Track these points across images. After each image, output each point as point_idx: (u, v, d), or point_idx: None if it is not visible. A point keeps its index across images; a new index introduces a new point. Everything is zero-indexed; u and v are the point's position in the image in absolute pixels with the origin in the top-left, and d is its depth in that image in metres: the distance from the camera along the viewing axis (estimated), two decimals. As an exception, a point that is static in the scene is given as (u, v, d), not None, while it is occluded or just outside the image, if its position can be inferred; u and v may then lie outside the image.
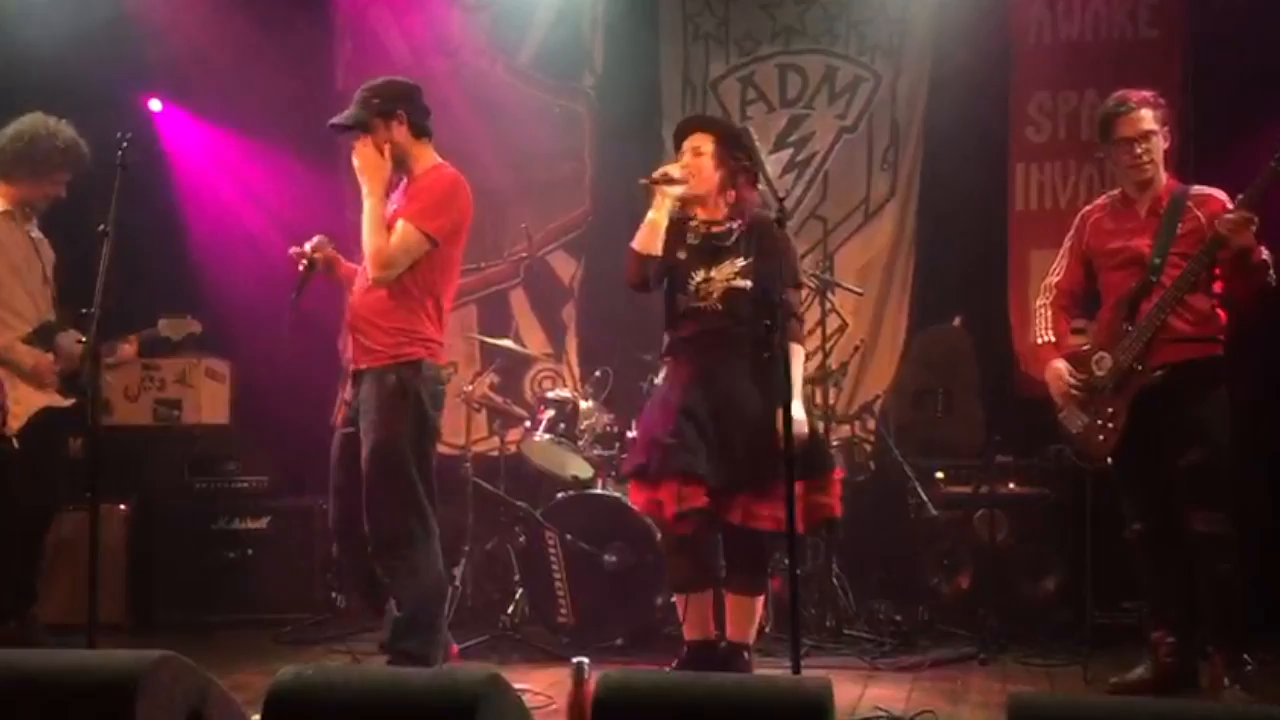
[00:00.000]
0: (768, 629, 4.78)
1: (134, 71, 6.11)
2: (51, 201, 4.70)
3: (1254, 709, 2.97)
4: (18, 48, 5.53)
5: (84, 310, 3.69)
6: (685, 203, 4.08)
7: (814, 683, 2.33)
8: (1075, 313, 4.27)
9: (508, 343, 5.70)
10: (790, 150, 6.34)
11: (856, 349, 5.95)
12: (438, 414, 4.01)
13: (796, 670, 3.42)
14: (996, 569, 5.14)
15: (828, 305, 5.45)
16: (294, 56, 6.34)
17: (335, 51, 6.84)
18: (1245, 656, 3.90)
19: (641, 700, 2.29)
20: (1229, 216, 3.78)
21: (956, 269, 6.02)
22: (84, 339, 3.71)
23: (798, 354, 3.94)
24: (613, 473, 5.21)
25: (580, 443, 5.15)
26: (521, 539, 5.15)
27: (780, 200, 3.54)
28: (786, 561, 3.61)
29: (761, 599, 4.11)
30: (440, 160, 4.11)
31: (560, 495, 5.14)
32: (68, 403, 4.65)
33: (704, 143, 4.05)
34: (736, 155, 3.98)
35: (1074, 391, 4.09)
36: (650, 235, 4.03)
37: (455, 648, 4.19)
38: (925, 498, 5.24)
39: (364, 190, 3.96)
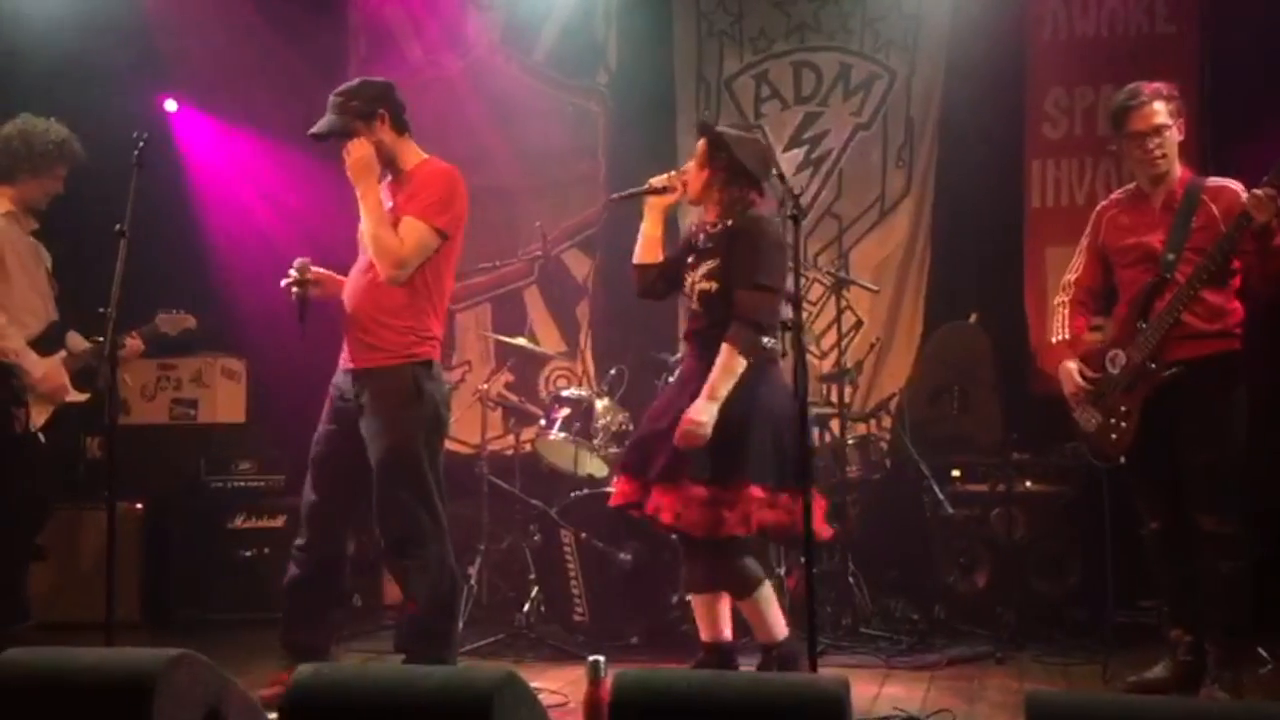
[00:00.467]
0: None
1: (149, 72, 6.13)
2: (52, 198, 4.74)
3: (1274, 706, 2.95)
4: (34, 48, 5.55)
5: (101, 309, 3.71)
6: (694, 204, 4.14)
7: (831, 681, 2.32)
8: (1093, 309, 4.24)
9: (522, 341, 5.71)
10: (805, 148, 6.33)
11: (872, 347, 5.94)
12: (448, 413, 4.06)
13: (813, 669, 3.41)
14: (1013, 567, 5.12)
15: (843, 303, 5.43)
16: (309, 56, 6.36)
17: (350, 51, 6.86)
18: (1263, 653, 3.88)
19: (658, 699, 2.28)
20: (1255, 192, 3.72)
21: (972, 266, 6.00)
22: (101, 339, 3.72)
23: (724, 354, 3.73)
24: (628, 471, 5.21)
25: (595, 441, 5.15)
26: (537, 538, 5.15)
27: (795, 197, 3.52)
28: (802, 560, 3.58)
29: (725, 598, 3.94)
30: (426, 154, 4.10)
31: (575, 494, 5.14)
32: (82, 398, 4.73)
33: (699, 146, 4.04)
34: (719, 156, 3.93)
35: (1084, 391, 4.06)
36: (644, 247, 4.10)
37: None
38: (941, 496, 5.22)
39: (359, 191, 3.92)
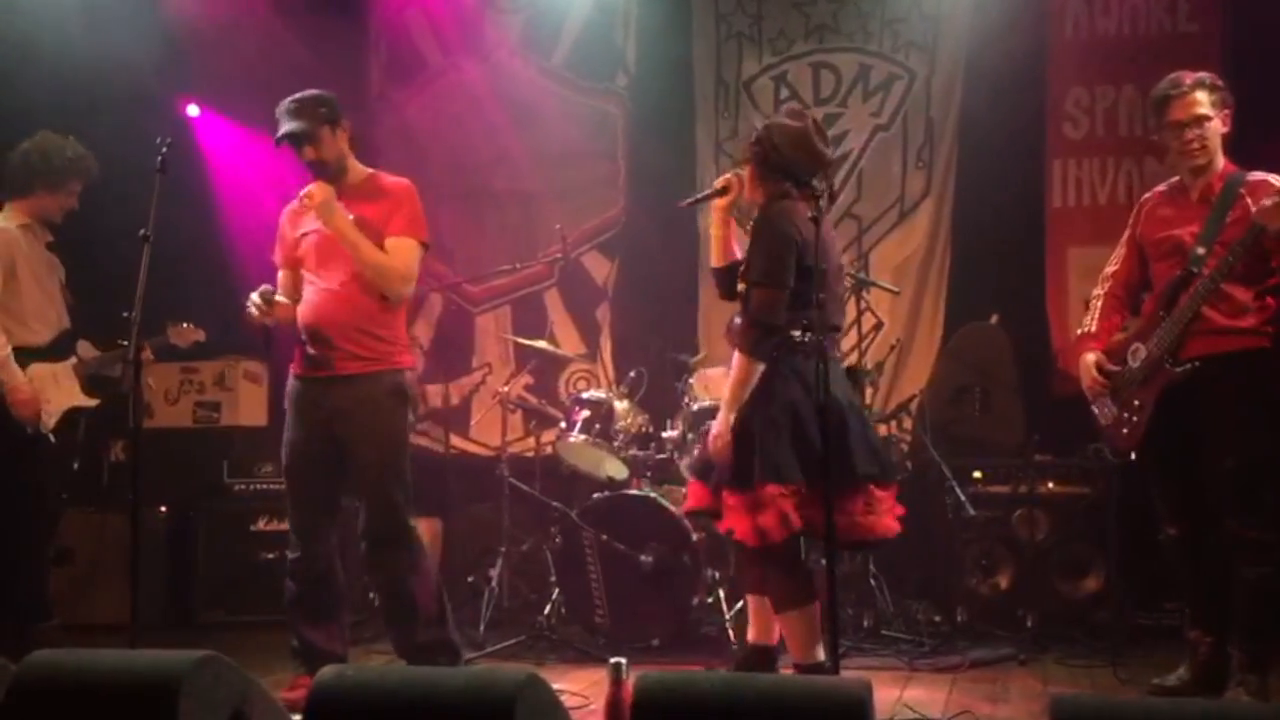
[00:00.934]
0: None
1: (171, 77, 6.17)
2: (66, 212, 4.86)
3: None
4: (57, 54, 5.60)
5: (125, 313, 3.74)
6: (750, 201, 4.04)
7: (853, 683, 2.31)
8: (1130, 303, 4.12)
9: (542, 344, 5.72)
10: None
11: (893, 348, 5.92)
12: (416, 418, 4.29)
13: (835, 671, 3.41)
14: (1036, 569, 5.10)
15: (863, 304, 5.42)
16: (329, 61, 6.37)
17: (370, 55, 6.90)
18: None
19: (679, 700, 2.28)
20: (1266, 203, 3.66)
21: (993, 267, 5.98)
22: (124, 343, 3.76)
23: (734, 365, 3.72)
24: (648, 473, 5.21)
25: (615, 443, 5.15)
26: (558, 540, 5.16)
27: (816, 198, 3.50)
28: (823, 562, 3.56)
29: (769, 604, 3.85)
30: (368, 168, 4.25)
31: (596, 496, 5.15)
32: (92, 403, 4.86)
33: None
34: (758, 149, 3.88)
35: (1101, 385, 4.02)
36: (714, 249, 4.02)
37: None
38: (963, 497, 5.20)
39: (334, 227, 3.99)
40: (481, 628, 5.16)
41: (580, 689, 4.11)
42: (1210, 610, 3.96)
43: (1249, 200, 3.79)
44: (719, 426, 3.71)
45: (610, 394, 5.38)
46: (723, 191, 3.92)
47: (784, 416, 3.65)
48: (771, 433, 3.64)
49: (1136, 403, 3.93)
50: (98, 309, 4.79)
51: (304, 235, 4.17)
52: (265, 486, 5.93)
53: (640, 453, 5.22)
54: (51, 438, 4.71)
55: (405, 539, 4.09)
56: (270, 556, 5.70)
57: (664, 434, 5.24)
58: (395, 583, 4.11)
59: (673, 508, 4.92)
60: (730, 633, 4.83)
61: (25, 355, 4.67)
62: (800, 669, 3.73)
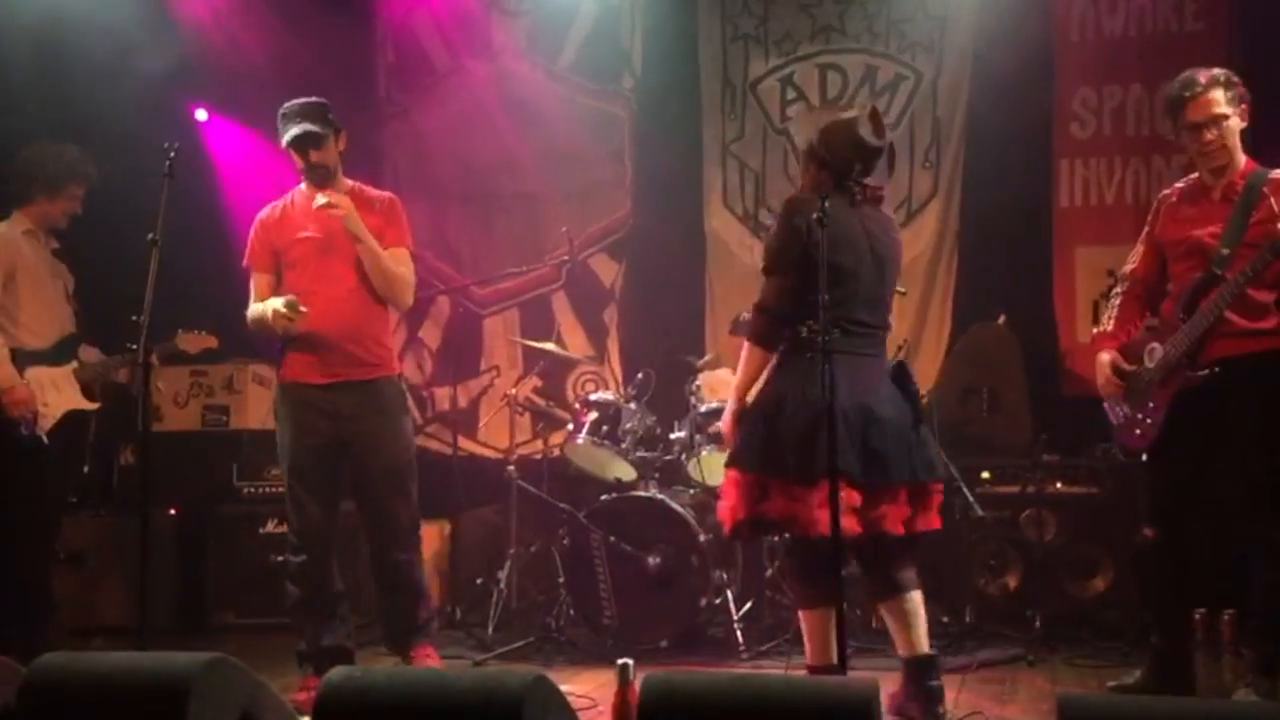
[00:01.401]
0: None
1: (180, 81, 6.19)
2: (70, 217, 4.92)
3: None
4: (66, 59, 5.62)
5: (134, 317, 3.75)
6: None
7: (860, 683, 2.32)
8: (1149, 303, 4.06)
9: (550, 346, 5.73)
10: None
11: (900, 349, 5.88)
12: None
13: (843, 671, 3.40)
14: (1044, 569, 5.10)
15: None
16: (337, 64, 6.40)
17: (377, 58, 6.92)
18: None
19: (686, 702, 2.29)
20: None
21: (1000, 267, 5.98)
22: (133, 346, 3.78)
23: (742, 354, 3.72)
24: (655, 475, 5.22)
25: (623, 445, 5.16)
26: (566, 541, 5.16)
27: (824, 199, 3.50)
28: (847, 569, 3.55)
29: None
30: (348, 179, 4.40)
31: (604, 497, 5.15)
32: (93, 406, 4.92)
33: None
34: (800, 141, 3.86)
35: (1116, 384, 3.99)
36: None
37: None
38: (971, 498, 5.20)
39: (359, 232, 4.14)
40: (490, 629, 5.17)
41: (588, 690, 4.11)
42: (1176, 617, 3.90)
43: (1273, 201, 3.72)
44: (726, 409, 3.78)
45: (618, 396, 5.39)
46: None
47: (768, 408, 3.62)
48: (747, 423, 3.66)
49: (1151, 404, 3.90)
50: (107, 313, 4.83)
51: (297, 241, 4.23)
52: (274, 489, 5.92)
53: (648, 454, 5.23)
54: (45, 439, 4.72)
55: (414, 539, 4.28)
56: (280, 559, 5.70)
57: (671, 435, 5.25)
58: (402, 577, 4.26)
59: (680, 509, 4.93)
60: (739, 634, 4.83)
61: (24, 358, 4.71)
62: (810, 670, 3.73)
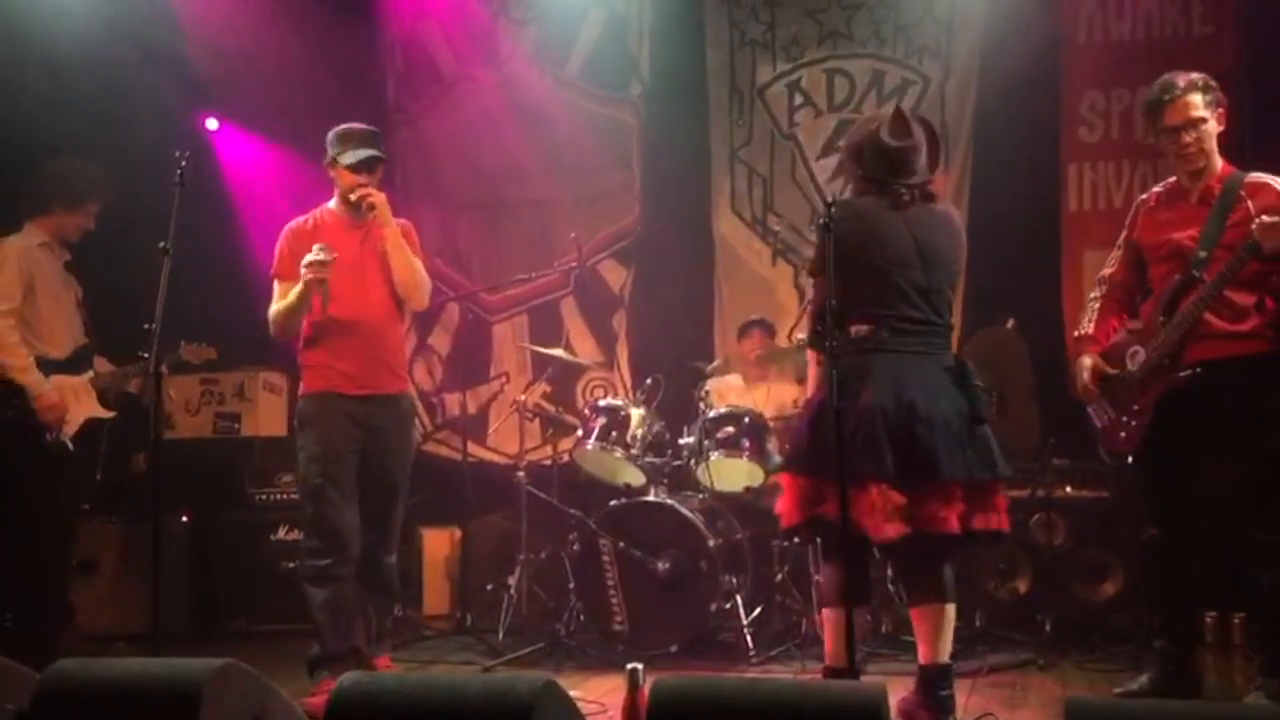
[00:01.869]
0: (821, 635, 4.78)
1: (190, 91, 6.23)
2: (84, 233, 5.03)
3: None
4: (78, 69, 5.65)
5: (146, 325, 3.78)
6: None
7: (870, 688, 2.32)
8: (1128, 306, 4.13)
9: (559, 352, 5.74)
10: (839, 155, 6.31)
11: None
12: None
13: (852, 676, 3.41)
14: (1053, 573, 5.09)
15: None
16: (345, 73, 6.43)
17: (386, 67, 6.95)
18: None
19: (696, 706, 2.29)
20: (1264, 220, 3.62)
21: (1009, 271, 5.96)
22: (144, 355, 3.81)
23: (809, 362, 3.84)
24: (664, 480, 5.23)
25: (632, 450, 5.17)
26: (575, 547, 5.17)
27: (829, 204, 3.52)
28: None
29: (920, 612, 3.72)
30: None
31: (613, 503, 5.16)
32: (109, 414, 5.02)
33: None
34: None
35: (1098, 387, 4.01)
36: None
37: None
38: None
39: (393, 229, 4.31)
40: (500, 635, 5.19)
41: (598, 696, 4.12)
42: (1180, 620, 3.92)
43: (1249, 203, 3.78)
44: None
45: (627, 401, 5.39)
46: None
47: (814, 412, 3.66)
48: (800, 427, 3.70)
49: (1135, 406, 3.93)
50: (118, 322, 4.86)
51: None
52: (285, 496, 5.96)
53: (657, 460, 5.23)
54: (70, 446, 4.85)
55: (396, 545, 4.49)
56: (291, 566, 5.74)
57: (680, 441, 5.26)
58: (387, 579, 4.43)
59: (690, 514, 4.94)
60: (748, 638, 4.83)
61: (45, 367, 4.83)
62: (828, 671, 3.73)
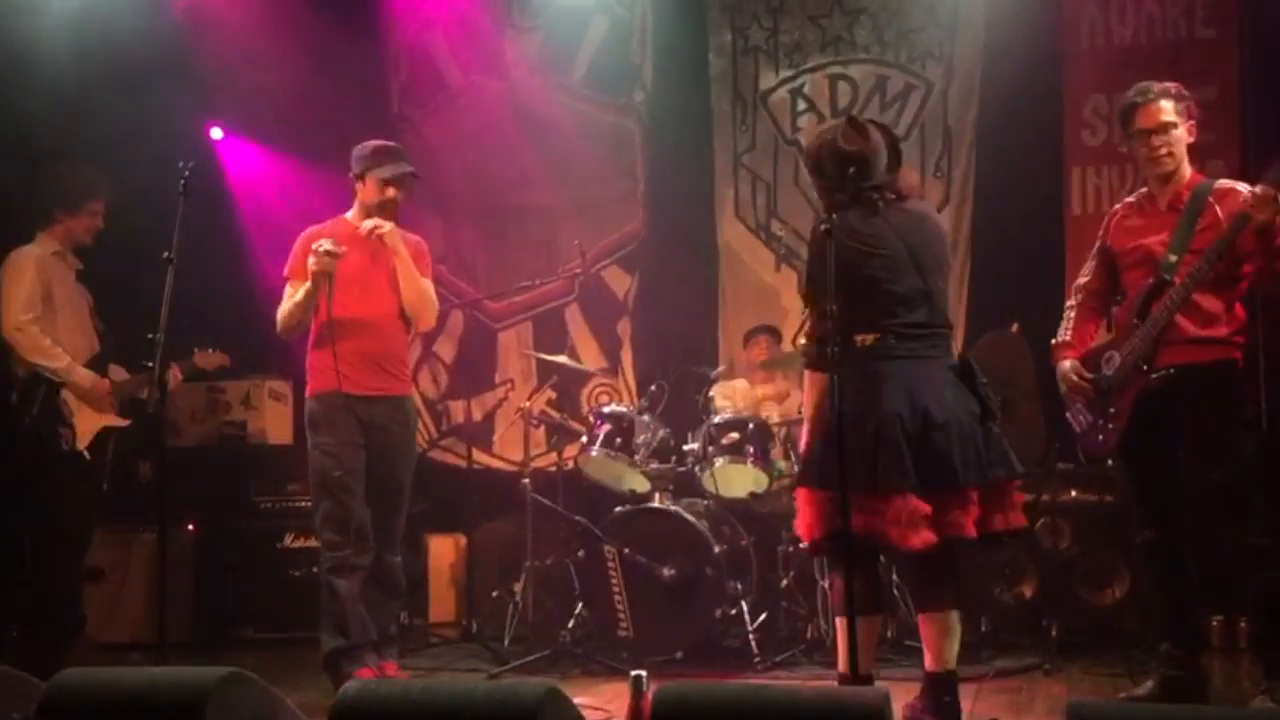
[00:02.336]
0: (827, 641, 4.78)
1: (195, 101, 6.24)
2: (94, 232, 5.03)
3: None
4: (81, 78, 5.68)
5: (150, 335, 3.79)
6: None
7: (873, 693, 2.33)
8: (1103, 312, 4.19)
9: (564, 359, 5.75)
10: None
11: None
12: None
13: (859, 681, 3.41)
14: (1059, 578, 5.09)
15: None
16: (350, 82, 6.45)
17: (390, 76, 6.96)
18: None
19: (698, 712, 2.30)
20: (1254, 190, 3.67)
21: (1013, 275, 5.97)
22: (150, 364, 3.83)
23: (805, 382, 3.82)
24: (669, 486, 5.23)
25: (637, 456, 5.17)
26: (580, 554, 5.18)
27: (823, 220, 3.52)
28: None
29: (927, 620, 3.70)
30: None
31: (618, 509, 5.16)
32: (124, 422, 5.04)
33: None
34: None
35: (1075, 391, 4.05)
36: None
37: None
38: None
39: (396, 246, 4.44)
40: (505, 642, 5.19)
41: (603, 702, 4.12)
42: (1182, 623, 3.93)
43: (1218, 209, 3.84)
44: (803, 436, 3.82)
45: (631, 408, 5.40)
46: None
47: (830, 424, 3.57)
48: (814, 440, 3.66)
49: (1112, 409, 3.97)
50: (126, 331, 4.89)
51: (343, 264, 4.38)
52: (292, 503, 5.97)
53: (661, 466, 5.24)
54: (86, 454, 4.88)
55: (399, 544, 4.57)
56: (297, 574, 5.75)
57: (685, 447, 5.26)
58: (393, 579, 4.51)
59: (695, 521, 4.94)
60: (754, 645, 4.83)
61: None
62: (842, 680, 3.70)
